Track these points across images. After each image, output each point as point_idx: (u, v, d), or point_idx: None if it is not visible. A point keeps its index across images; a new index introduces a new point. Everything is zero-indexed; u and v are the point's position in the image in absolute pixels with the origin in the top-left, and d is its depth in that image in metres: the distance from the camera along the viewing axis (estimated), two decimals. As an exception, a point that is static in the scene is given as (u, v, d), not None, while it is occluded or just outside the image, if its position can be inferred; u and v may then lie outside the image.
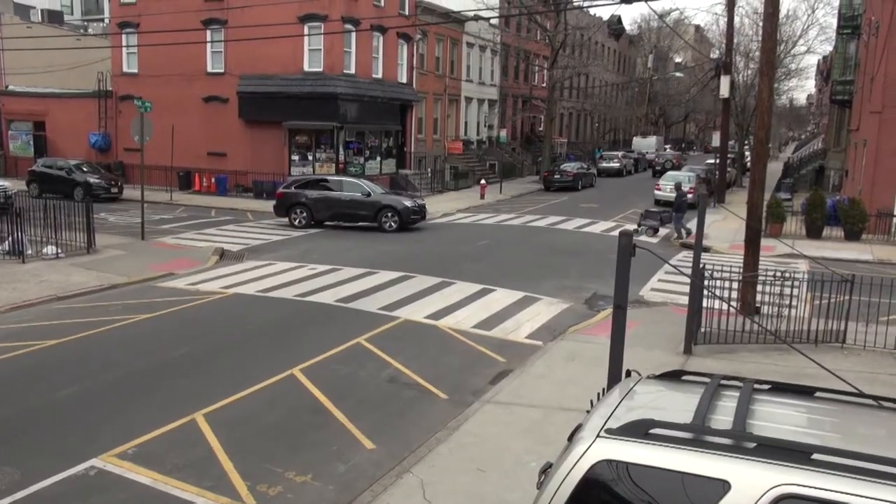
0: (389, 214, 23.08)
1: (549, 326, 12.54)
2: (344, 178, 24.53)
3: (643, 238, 23.72)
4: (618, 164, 50.01)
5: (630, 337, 11.04)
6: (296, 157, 31.58)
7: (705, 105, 77.03)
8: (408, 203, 23.45)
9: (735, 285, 12.07)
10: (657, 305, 14.25)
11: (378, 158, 33.81)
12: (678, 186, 24.85)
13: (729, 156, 39.83)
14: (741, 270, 12.82)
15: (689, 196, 29.57)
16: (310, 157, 31.42)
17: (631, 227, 25.41)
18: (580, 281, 16.39)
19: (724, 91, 32.58)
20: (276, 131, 31.06)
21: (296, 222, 23.44)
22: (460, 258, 18.78)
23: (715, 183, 34.85)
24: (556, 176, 40.00)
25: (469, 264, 17.90)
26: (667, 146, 69.97)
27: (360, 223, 23.67)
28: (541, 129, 54.93)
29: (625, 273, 5.68)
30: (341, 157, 31.17)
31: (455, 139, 43.12)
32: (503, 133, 40.80)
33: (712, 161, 40.02)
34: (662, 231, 24.85)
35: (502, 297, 14.43)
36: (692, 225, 24.22)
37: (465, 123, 45.35)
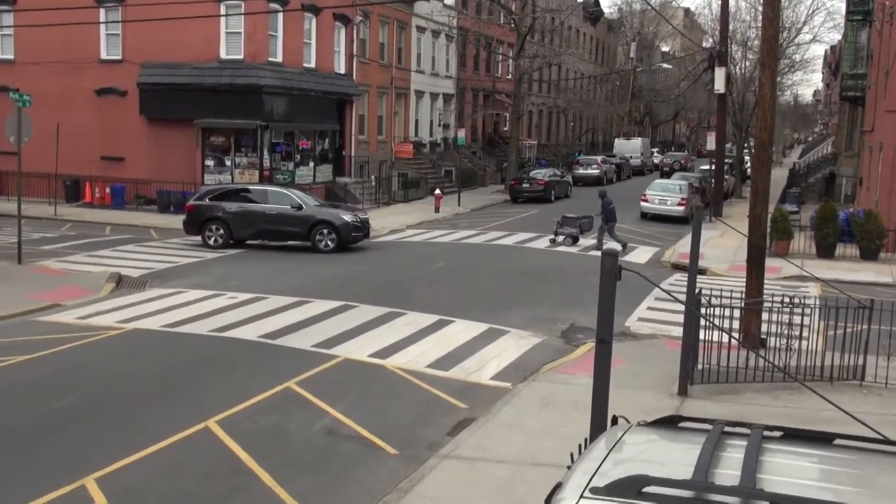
0: (325, 231, 23.06)
1: (518, 365, 12.57)
2: (269, 188, 24.49)
3: (562, 248, 24.66)
4: (597, 171, 50.81)
5: (616, 376, 11.11)
6: (210, 163, 31.28)
7: (697, 102, 78.93)
8: (347, 217, 23.42)
9: (736, 313, 12.29)
10: (646, 338, 14.40)
11: (311, 164, 33.71)
12: (602, 194, 25.97)
13: (726, 161, 40.81)
14: (743, 296, 13.06)
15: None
16: (227, 163, 31.16)
17: (615, 245, 25.77)
18: (555, 310, 16.50)
19: (720, 85, 33.45)
20: (186, 131, 30.73)
21: (211, 241, 23.25)
22: (412, 284, 18.79)
23: (710, 193, 35.63)
24: (524, 185, 40.44)
25: (422, 291, 17.92)
26: (654, 149, 71.37)
27: (289, 242, 23.58)
28: (506, 129, 55.53)
29: (609, 300, 5.72)
30: (266, 163, 30.99)
31: (404, 141, 43.28)
32: (461, 134, 41.13)
33: (707, 167, 40.91)
34: (583, 241, 25.80)
35: (462, 331, 14.45)
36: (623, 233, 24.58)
37: (416, 122, 45.57)
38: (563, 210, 36.57)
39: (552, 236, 26.17)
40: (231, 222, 23.20)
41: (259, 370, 11.95)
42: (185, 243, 24.16)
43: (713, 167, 35.56)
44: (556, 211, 36.15)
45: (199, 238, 23.56)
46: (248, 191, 23.95)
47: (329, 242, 23.03)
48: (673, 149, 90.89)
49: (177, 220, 28.62)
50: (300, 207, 23.15)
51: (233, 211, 23.21)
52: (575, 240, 26.05)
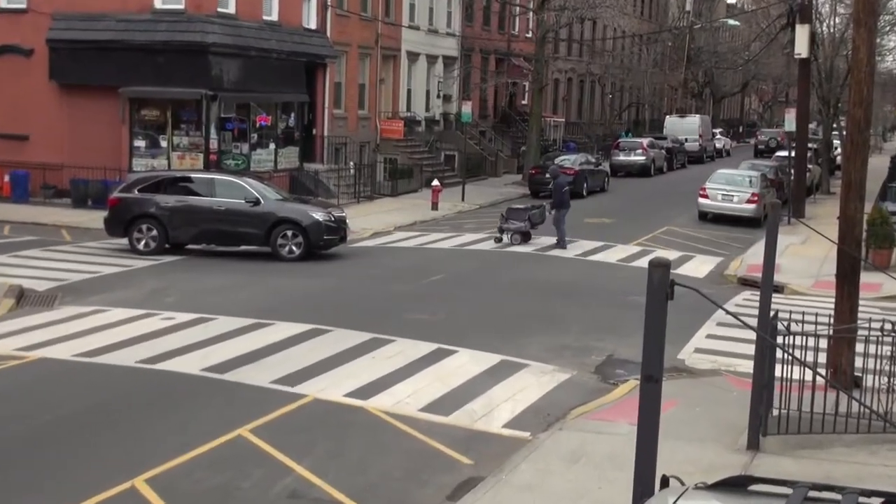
0: (290, 233, 23.14)
1: (539, 409, 12.55)
2: (217, 177, 24.61)
3: (511, 249, 25.25)
4: (642, 158, 50.92)
5: (666, 424, 11.10)
6: (141, 144, 31.30)
7: (773, 69, 79.05)
8: (318, 216, 23.45)
9: (823, 343, 12.28)
10: (706, 375, 14.39)
11: (272, 146, 33.75)
12: (555, 173, 26.89)
13: (810, 146, 40.83)
14: (831, 321, 13.06)
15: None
16: (163, 144, 31.20)
17: (664, 252, 25.77)
18: (587, 337, 16.48)
19: (802, 48, 33.52)
20: (109, 102, 30.76)
21: (140, 245, 23.28)
22: (401, 302, 18.77)
23: (790, 187, 35.69)
24: (548, 175, 40.40)
25: (415, 312, 17.89)
26: (716, 130, 71.51)
27: (242, 246, 23.64)
28: (524, 102, 55.63)
29: (658, 325, 5.73)
30: (213, 144, 31.03)
31: (392, 117, 43.34)
32: (467, 108, 41.14)
33: (784, 154, 40.97)
34: (540, 238, 26.40)
35: (467, 364, 14.42)
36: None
37: (409, 93, 45.66)
38: (599, 208, 36.66)
39: (496, 233, 26.85)
40: (167, 221, 23.23)
41: (203, 413, 11.91)
42: (108, 248, 24.14)
43: (793, 154, 35.60)
44: (589, 210, 36.22)
45: (125, 241, 23.59)
46: (189, 180, 24.09)
47: (294, 247, 23.12)
48: (742, 129, 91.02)
49: (97, 218, 28.57)
50: (257, 202, 23.23)
51: (169, 206, 23.25)
52: (525, 236, 26.74)
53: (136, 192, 23.53)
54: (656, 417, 5.83)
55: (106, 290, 19.11)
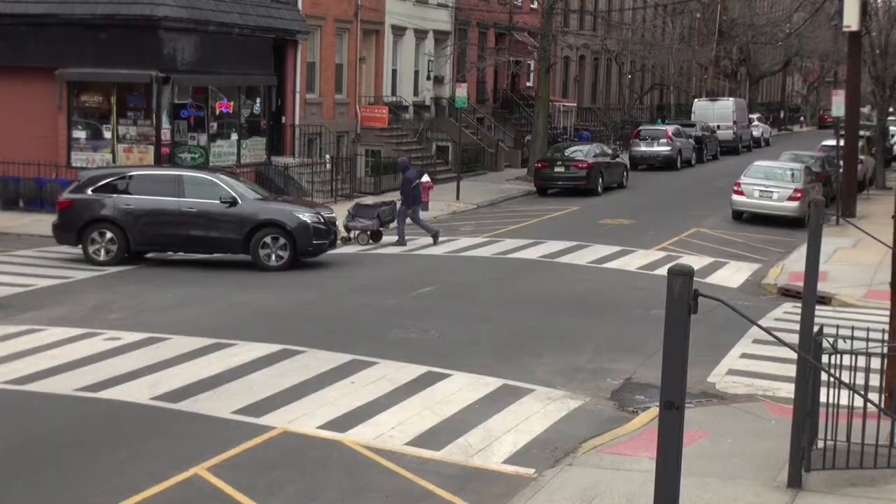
0: (273, 239, 23.18)
1: (546, 441, 12.57)
2: (186, 173, 24.64)
3: (357, 248, 26.09)
4: (667, 149, 51.07)
5: (694, 458, 11.13)
6: (81, 134, 31.34)
7: (819, 45, 79.26)
8: (306, 217, 23.49)
9: (876, 364, 12.30)
10: (740, 400, 14.41)
11: (234, 137, 33.80)
12: (404, 166, 28.01)
13: (862, 134, 40.90)
14: (886, 337, 13.09)
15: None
16: (107, 135, 31.23)
17: (693, 258, 25.84)
18: (602, 357, 16.52)
19: (851, 20, 33.57)
20: (44, 86, 30.78)
21: (97, 254, 23.22)
22: (386, 318, 18.79)
23: (838, 182, 35.76)
24: (557, 169, 40.63)
25: (402, 329, 17.93)
26: (753, 116, 71.69)
27: (215, 254, 23.73)
28: (529, 84, 55.67)
29: (680, 343, 5.74)
30: (166, 135, 31.04)
31: (376, 102, 43.39)
32: (462, 92, 41.24)
33: (831, 143, 41.08)
34: (390, 237, 27.33)
35: (462, 389, 14.43)
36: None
37: (394, 74, 45.71)
38: (616, 206, 36.73)
39: (343, 233, 27.29)
40: (128, 225, 23.18)
41: (153, 448, 11.90)
42: (44, 256, 24.15)
43: (842, 143, 35.69)
44: (605, 209, 36.30)
45: (77, 249, 23.55)
46: (153, 178, 24.09)
47: (280, 254, 23.24)
48: (783, 114, 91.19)
49: (29, 221, 28.63)
50: (234, 202, 23.33)
51: (130, 208, 23.23)
52: (375, 235, 27.61)
53: (90, 192, 23.48)
54: (678, 451, 5.85)
55: (40, 307, 19.07)
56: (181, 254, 24.18)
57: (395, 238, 27.53)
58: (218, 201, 23.23)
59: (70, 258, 23.99)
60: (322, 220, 23.65)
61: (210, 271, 23.09)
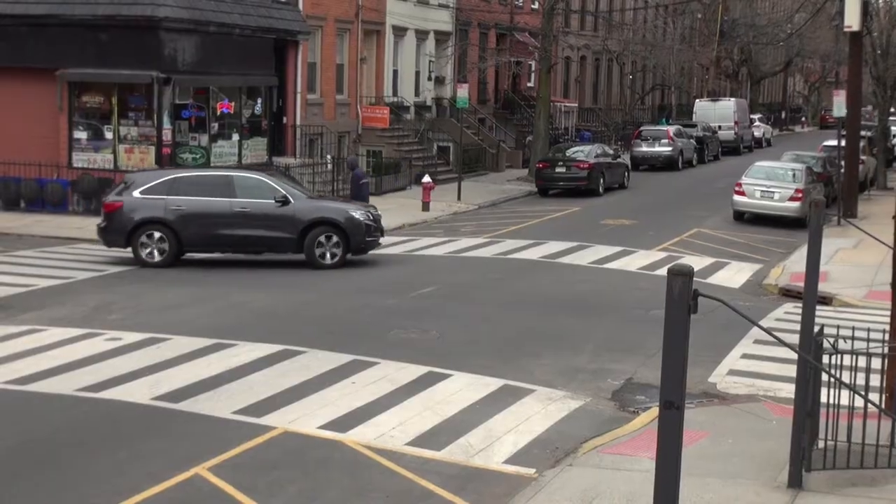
0: (328, 237, 23.45)
1: (547, 441, 12.57)
2: (235, 174, 24.95)
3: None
4: (668, 149, 51.08)
5: (694, 458, 11.13)
6: (82, 135, 31.37)
7: (820, 44, 79.27)
8: (358, 214, 23.76)
9: (876, 364, 12.30)
10: (741, 401, 14.41)
11: (235, 137, 33.80)
12: (352, 164, 28.01)
13: (863, 134, 40.89)
14: (887, 337, 13.09)
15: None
16: (108, 135, 31.24)
17: (694, 259, 25.85)
18: (603, 358, 16.52)
19: (852, 20, 33.58)
20: (44, 87, 30.80)
21: (150, 256, 23.25)
22: (387, 318, 18.81)
23: (839, 182, 35.77)
24: (559, 169, 40.65)
25: (402, 330, 17.93)
26: (754, 116, 71.69)
27: (265, 254, 23.99)
28: (531, 85, 55.67)
29: (679, 344, 5.75)
30: (167, 135, 31.06)
31: (377, 103, 43.39)
32: (463, 92, 41.27)
33: (832, 144, 41.09)
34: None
35: (462, 389, 14.43)
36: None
37: (395, 75, 45.71)
38: (618, 207, 36.73)
39: None
40: (179, 227, 23.25)
41: (153, 448, 11.91)
42: (46, 257, 24.15)
43: (843, 143, 35.69)
44: (606, 209, 36.30)
45: (127, 250, 23.49)
46: (203, 179, 24.18)
47: (334, 252, 23.53)
48: (785, 114, 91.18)
49: (30, 222, 28.65)
50: (286, 201, 23.47)
51: (182, 210, 23.26)
52: None
53: (139, 194, 23.46)
54: (678, 451, 5.85)
55: (41, 307, 19.08)
56: (228, 252, 24.34)
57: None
58: (272, 201, 23.39)
59: (70, 258, 24.01)
60: (372, 218, 24.08)
61: (210, 271, 23.10)
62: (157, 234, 23.22)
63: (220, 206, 23.37)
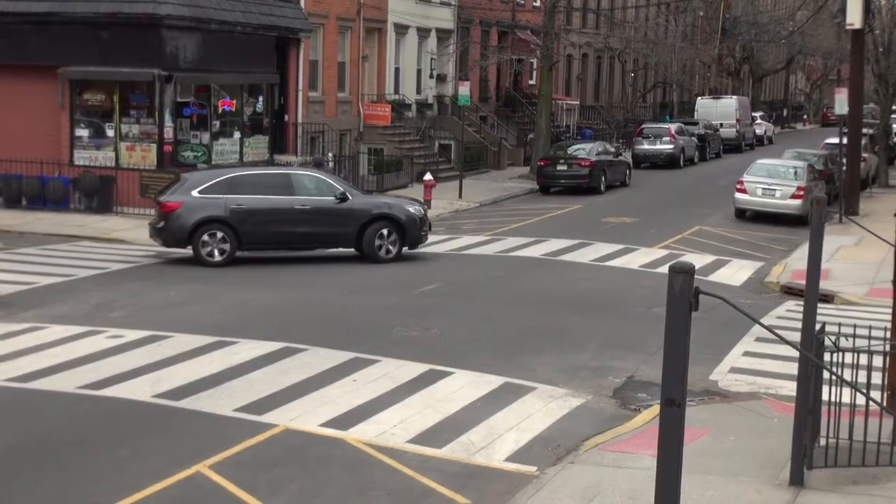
0: (386, 232, 24.07)
1: (548, 439, 12.57)
2: (295, 172, 25.46)
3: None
4: (670, 147, 51.05)
5: (696, 456, 11.12)
6: (84, 133, 31.38)
7: (822, 42, 79.19)
8: (413, 209, 24.70)
9: (878, 362, 12.30)
10: (742, 398, 14.41)
11: (237, 135, 33.80)
12: (317, 161, 28.00)
13: (865, 131, 40.87)
14: (888, 335, 13.09)
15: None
16: (110, 133, 31.24)
17: (695, 256, 25.84)
18: (605, 356, 16.53)
19: (854, 18, 33.57)
20: (46, 84, 30.82)
21: (210, 255, 23.29)
22: (388, 316, 18.81)
23: (841, 180, 35.76)
24: (560, 167, 40.62)
25: (404, 327, 17.95)
26: (756, 114, 71.65)
27: (318, 249, 24.39)
28: (532, 83, 55.67)
29: (680, 342, 5.74)
30: (168, 133, 31.06)
31: (378, 101, 43.38)
32: (464, 90, 41.25)
33: (834, 141, 41.07)
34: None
35: (464, 387, 14.44)
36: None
37: (397, 73, 45.70)
38: (620, 205, 36.72)
39: None
40: (240, 225, 23.39)
41: (154, 446, 11.92)
42: (47, 255, 24.15)
43: (845, 141, 35.68)
44: (607, 207, 36.29)
45: (187, 251, 23.52)
46: (259, 178, 24.43)
47: (390, 247, 24.17)
48: (786, 112, 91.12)
49: (32, 220, 28.65)
50: (344, 198, 23.99)
51: (243, 208, 23.39)
52: None
53: (197, 193, 23.49)
54: (679, 448, 5.84)
55: (42, 304, 19.08)
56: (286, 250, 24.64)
57: None
58: (331, 198, 23.87)
59: (72, 256, 24.02)
60: (423, 213, 24.90)
61: (210, 269, 23.10)
62: (218, 234, 23.31)
63: (281, 205, 23.69)
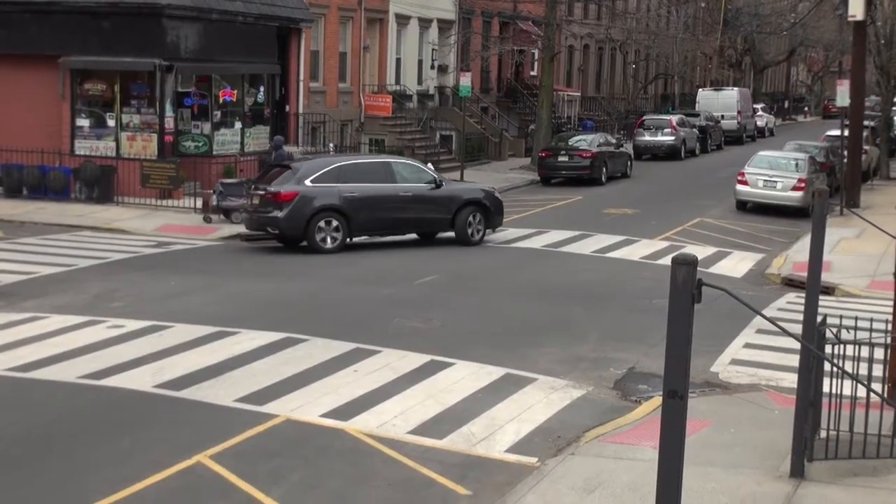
0: (474, 216, 25.65)
1: (549, 430, 12.59)
2: (394, 160, 27.11)
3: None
4: (671, 138, 51.02)
5: (697, 447, 11.12)
6: (85, 122, 31.35)
7: (823, 34, 79.07)
8: (496, 196, 26.60)
9: (879, 354, 12.30)
10: (743, 390, 14.43)
11: (238, 125, 33.75)
12: (277, 144, 28.60)
13: (866, 124, 40.83)
14: (889, 328, 13.09)
15: (293, 152, 32.90)
16: (111, 123, 31.21)
17: (696, 248, 25.83)
18: (605, 347, 16.54)
19: (856, 10, 33.51)
20: (46, 74, 30.79)
21: (324, 242, 23.97)
22: (389, 307, 18.83)
23: (842, 172, 35.73)
24: (561, 158, 40.61)
25: (404, 318, 17.95)
26: (757, 106, 71.59)
27: (410, 233, 25.83)
28: (534, 73, 55.61)
29: (683, 334, 5.73)
30: (169, 123, 31.03)
31: (379, 91, 43.34)
32: (465, 81, 41.20)
33: (835, 133, 41.02)
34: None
35: (465, 378, 14.45)
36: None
37: (398, 63, 45.65)
38: (621, 196, 36.71)
39: (207, 215, 27.31)
40: (351, 213, 24.21)
41: (155, 436, 11.94)
42: (47, 244, 24.15)
43: (846, 133, 35.65)
44: (608, 198, 36.28)
45: (301, 241, 23.96)
46: (364, 166, 25.33)
47: (478, 229, 25.76)
48: (788, 104, 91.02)
49: (32, 209, 28.64)
50: (438, 184, 25.47)
51: (355, 196, 24.22)
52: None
53: (309, 183, 24.04)
54: (681, 440, 5.84)
55: (43, 294, 19.09)
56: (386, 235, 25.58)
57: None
58: (428, 185, 25.28)
59: (73, 245, 24.03)
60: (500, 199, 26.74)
61: (210, 260, 23.11)
62: (333, 222, 24.02)
63: (385, 192, 24.64)
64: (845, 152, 35.55)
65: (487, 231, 26.13)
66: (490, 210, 25.85)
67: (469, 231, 25.40)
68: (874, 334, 11.91)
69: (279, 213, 23.74)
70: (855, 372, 10.83)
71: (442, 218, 25.35)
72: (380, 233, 25.32)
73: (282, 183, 24.15)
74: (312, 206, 23.81)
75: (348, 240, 24.37)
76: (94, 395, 13.41)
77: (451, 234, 25.57)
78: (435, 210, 25.28)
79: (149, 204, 29.07)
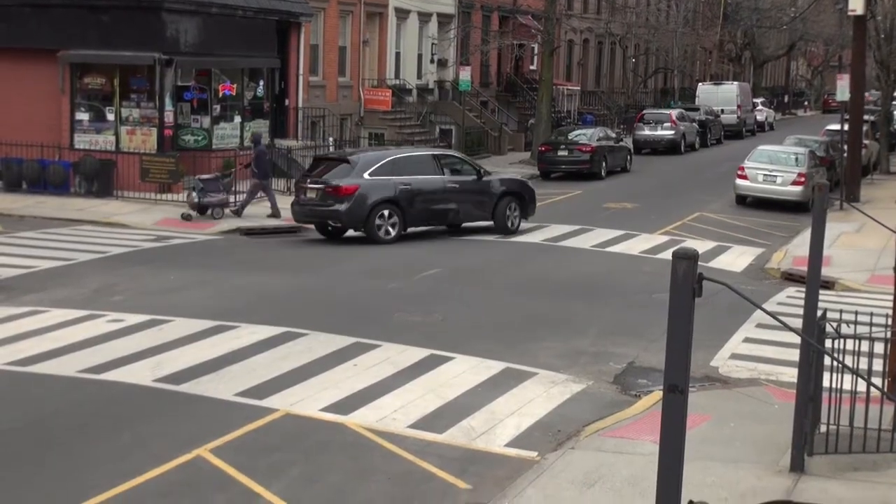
0: (511, 206, 26.49)
1: (549, 425, 12.59)
2: (438, 152, 28.01)
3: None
4: (671, 133, 50.99)
5: (696, 442, 11.13)
6: (84, 116, 31.33)
7: (823, 28, 79.04)
8: (530, 186, 27.61)
9: (879, 348, 12.30)
10: (743, 385, 14.43)
11: (237, 119, 33.75)
12: (257, 139, 28.52)
13: (866, 118, 40.80)
14: (889, 322, 13.09)
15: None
16: (110, 117, 31.20)
17: (696, 242, 25.81)
18: (605, 341, 16.54)
19: (857, 4, 33.48)
20: (46, 68, 30.76)
21: (383, 233, 24.70)
22: (388, 301, 18.83)
23: (842, 166, 35.73)
24: (561, 152, 40.57)
25: (404, 312, 17.95)
26: (757, 100, 71.55)
27: (450, 225, 26.35)
28: (533, 68, 55.59)
29: (683, 327, 5.73)
30: (169, 117, 31.01)
31: (379, 85, 43.32)
32: (465, 75, 41.19)
33: (835, 128, 40.99)
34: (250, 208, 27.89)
35: (465, 372, 14.46)
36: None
37: (398, 57, 45.63)
38: (620, 190, 36.70)
39: (187, 212, 27.01)
40: (406, 204, 24.97)
41: (155, 430, 11.94)
42: (47, 238, 24.14)
43: (846, 127, 35.64)
44: (608, 193, 36.26)
45: (359, 232, 24.61)
46: (414, 159, 25.93)
47: (515, 219, 26.57)
48: (787, 98, 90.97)
49: (32, 203, 28.62)
50: (481, 175, 26.30)
51: (409, 188, 24.96)
52: (226, 206, 27.53)
53: (368, 175, 24.54)
54: (681, 434, 5.84)
55: (43, 288, 19.08)
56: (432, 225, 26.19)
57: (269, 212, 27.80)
58: (472, 176, 26.10)
59: (72, 239, 24.03)
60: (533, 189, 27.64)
61: (209, 254, 23.11)
62: (389, 213, 24.71)
63: (436, 183, 25.46)
64: (845, 147, 35.56)
65: (522, 220, 26.77)
66: (525, 199, 26.71)
67: (508, 221, 26.16)
68: (874, 329, 11.92)
69: (341, 206, 24.24)
70: (855, 366, 10.83)
71: (483, 208, 26.04)
72: (432, 224, 25.91)
73: (340, 176, 24.58)
74: (373, 199, 24.38)
75: (404, 231, 24.92)
76: (94, 389, 13.41)
77: (486, 223, 26.29)
78: (479, 201, 25.98)
79: (148, 198, 29.05)
